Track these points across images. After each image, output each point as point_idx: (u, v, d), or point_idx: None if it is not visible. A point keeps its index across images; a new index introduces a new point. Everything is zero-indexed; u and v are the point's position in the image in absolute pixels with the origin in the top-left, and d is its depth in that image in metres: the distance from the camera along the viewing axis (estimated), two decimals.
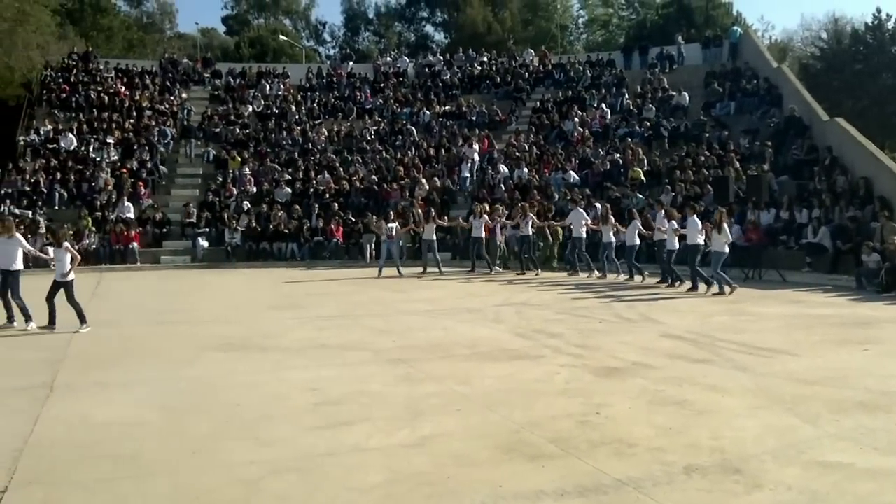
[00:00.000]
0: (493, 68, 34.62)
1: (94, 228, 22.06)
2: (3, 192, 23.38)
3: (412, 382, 7.36)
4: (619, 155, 24.45)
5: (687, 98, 28.09)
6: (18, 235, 11.33)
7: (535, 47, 40.22)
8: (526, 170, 24.73)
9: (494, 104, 31.24)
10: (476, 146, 26.24)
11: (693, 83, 29.69)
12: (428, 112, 30.67)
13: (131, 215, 22.98)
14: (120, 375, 7.89)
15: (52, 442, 5.60)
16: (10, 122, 28.17)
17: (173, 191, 25.96)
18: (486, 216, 19.00)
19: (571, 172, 24.11)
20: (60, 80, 30.41)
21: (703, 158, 22.72)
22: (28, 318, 10.79)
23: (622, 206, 20.41)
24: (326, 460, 5.10)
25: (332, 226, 22.52)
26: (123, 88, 31.03)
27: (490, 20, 54.23)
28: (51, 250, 11.12)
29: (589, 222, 18.16)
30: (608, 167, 23.92)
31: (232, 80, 33.62)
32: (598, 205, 19.14)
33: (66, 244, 11.09)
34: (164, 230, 23.21)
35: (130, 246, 21.71)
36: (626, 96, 29.54)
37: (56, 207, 23.38)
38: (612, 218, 17.51)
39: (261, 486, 4.65)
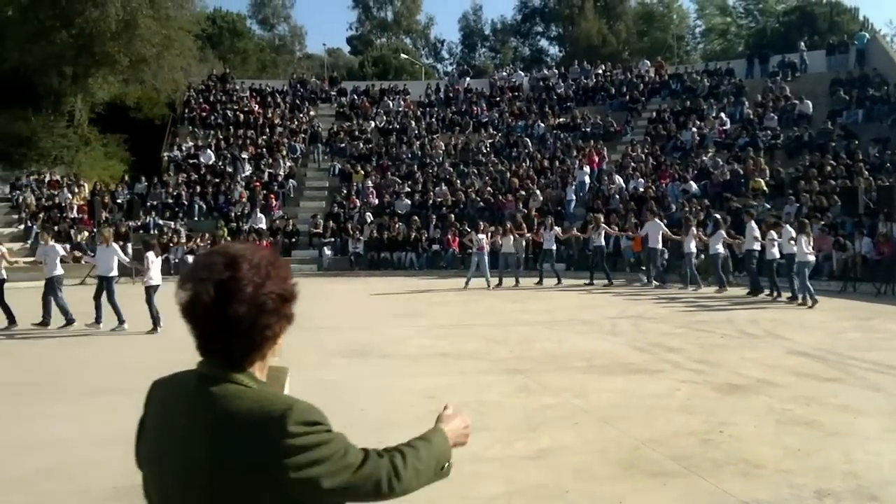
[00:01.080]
0: (608, 80, 34.04)
1: (229, 238, 23.09)
2: (149, 204, 24.85)
3: (529, 393, 7.27)
4: (739, 165, 23.49)
5: (810, 106, 26.68)
6: (115, 245, 12.49)
7: (650, 58, 39.28)
8: (641, 180, 24.14)
9: (609, 115, 30.69)
10: (587, 168, 25.73)
11: (817, 91, 28.16)
12: (542, 124, 30.48)
13: (263, 226, 23.95)
14: None
15: None
16: (155, 139, 29.94)
17: (302, 203, 26.86)
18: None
19: (692, 183, 23.33)
20: (200, 100, 32.17)
21: (829, 169, 21.50)
22: (121, 321, 11.74)
23: (747, 217, 19.59)
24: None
25: (449, 236, 22.71)
26: (257, 107, 32.42)
27: (605, 32, 53.42)
28: (150, 254, 11.99)
29: (668, 234, 17.66)
30: (728, 177, 23.02)
31: (356, 98, 34.55)
32: (717, 216, 18.41)
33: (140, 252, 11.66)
34: (293, 240, 24.03)
35: None
36: (746, 105, 28.36)
37: (195, 218, 24.65)
38: (693, 229, 16.91)
39: None
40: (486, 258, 18.20)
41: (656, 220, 18.15)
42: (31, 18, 25.90)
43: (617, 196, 23.63)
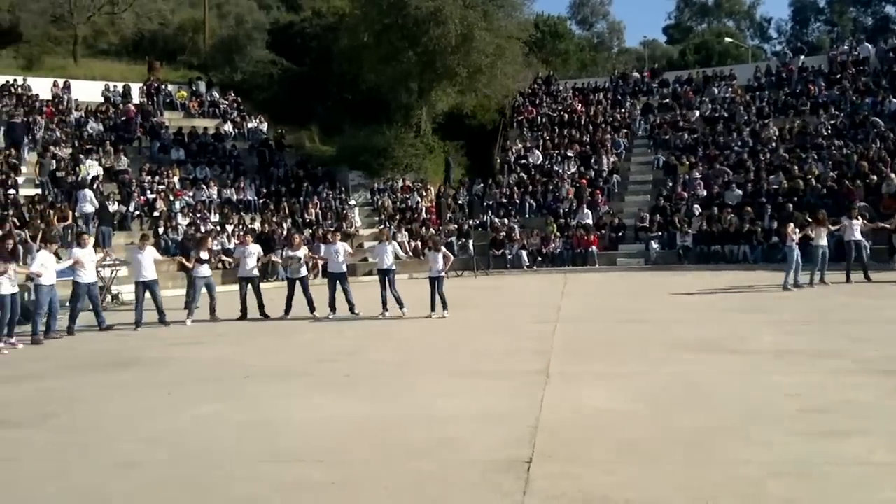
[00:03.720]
0: None
1: (558, 234, 23.83)
2: (485, 203, 26.53)
3: None
4: None
5: None
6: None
7: None
8: None
9: None
10: None
11: None
12: (894, 100, 26.93)
13: (590, 221, 24.31)
14: (604, 367, 8.44)
15: (559, 422, 6.22)
16: (488, 143, 31.86)
17: (627, 197, 26.78)
18: None
19: None
20: (527, 104, 33.55)
21: None
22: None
23: None
24: (828, 469, 4.84)
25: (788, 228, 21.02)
26: (580, 105, 32.94)
27: None
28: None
29: None
30: None
31: (678, 87, 33.51)
32: None
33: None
34: (620, 234, 24.07)
35: (590, 249, 22.97)
36: None
37: (526, 216, 25.78)
38: None
39: (765, 486, 4.59)
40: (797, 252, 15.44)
41: None
42: (383, 42, 28.92)
43: None
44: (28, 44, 35.45)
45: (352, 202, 26.99)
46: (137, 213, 22.52)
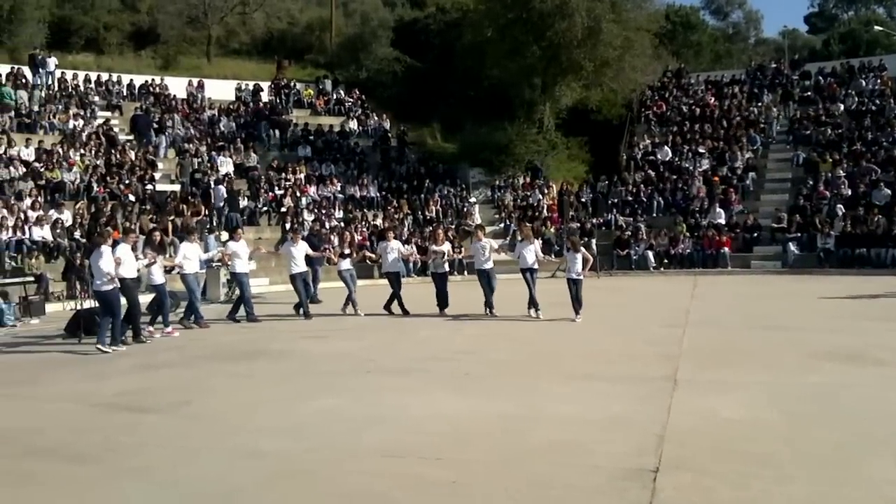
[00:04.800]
0: None
1: (687, 234, 23.08)
2: (610, 202, 26.07)
3: None
4: None
5: None
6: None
7: None
8: None
9: None
10: None
11: None
12: None
13: (722, 221, 23.41)
14: (735, 375, 8.13)
15: (686, 431, 6.04)
16: (613, 139, 31.24)
17: (762, 196, 25.60)
18: None
19: None
20: (656, 97, 32.68)
21: None
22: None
23: None
24: None
25: None
26: (712, 99, 31.78)
27: None
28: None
29: None
30: None
31: (821, 80, 31.74)
32: None
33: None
34: (755, 235, 23.03)
35: (722, 251, 22.11)
36: None
37: (654, 215, 25.12)
38: None
39: None
40: None
41: None
42: (507, 37, 28.96)
43: None
44: (165, 44, 37.84)
45: (472, 199, 27.18)
46: (265, 208, 23.57)
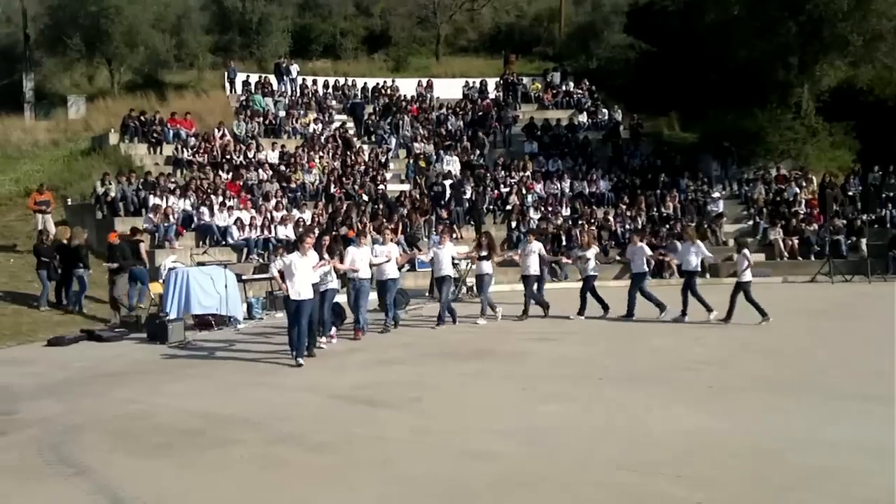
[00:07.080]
0: None
1: None
2: (884, 195, 23.64)
3: None
4: None
5: None
6: (699, 242, 13.71)
7: None
8: None
9: None
10: None
11: None
12: None
13: None
14: None
15: None
16: (888, 122, 28.02)
17: None
18: None
19: None
20: None
21: None
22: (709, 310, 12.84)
23: None
24: None
25: None
26: None
27: None
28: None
29: None
30: None
31: None
32: None
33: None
34: None
35: None
36: None
37: None
38: None
39: None
40: None
41: None
42: (757, 13, 27.10)
43: None
44: (396, 46, 39.96)
45: (715, 194, 25.71)
46: (491, 206, 23.97)
